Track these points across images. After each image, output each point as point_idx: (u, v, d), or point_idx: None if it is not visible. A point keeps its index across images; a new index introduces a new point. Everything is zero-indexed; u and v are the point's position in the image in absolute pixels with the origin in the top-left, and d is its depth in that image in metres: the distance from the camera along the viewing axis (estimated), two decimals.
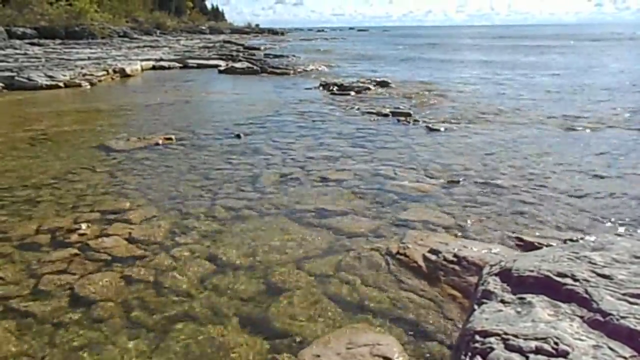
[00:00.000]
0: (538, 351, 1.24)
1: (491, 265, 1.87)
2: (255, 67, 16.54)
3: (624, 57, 23.43)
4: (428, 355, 2.21)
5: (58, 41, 26.62)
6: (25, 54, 18.87)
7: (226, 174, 4.95)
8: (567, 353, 1.22)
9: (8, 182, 4.67)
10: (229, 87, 12.93)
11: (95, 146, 6.12)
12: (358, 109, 8.94)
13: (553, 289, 1.54)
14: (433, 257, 3.00)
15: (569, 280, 1.54)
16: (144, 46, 27.27)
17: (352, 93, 11.03)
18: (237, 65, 17.33)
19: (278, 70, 16.34)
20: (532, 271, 1.65)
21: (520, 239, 3.31)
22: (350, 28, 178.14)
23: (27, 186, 4.53)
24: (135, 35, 34.84)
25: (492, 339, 1.33)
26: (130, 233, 3.50)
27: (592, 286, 1.48)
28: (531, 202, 4.07)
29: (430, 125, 7.23)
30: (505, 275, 1.71)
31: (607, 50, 28.20)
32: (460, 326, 2.11)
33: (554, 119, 7.71)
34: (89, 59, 17.39)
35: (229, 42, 37.23)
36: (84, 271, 2.97)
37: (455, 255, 2.95)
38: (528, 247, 3.07)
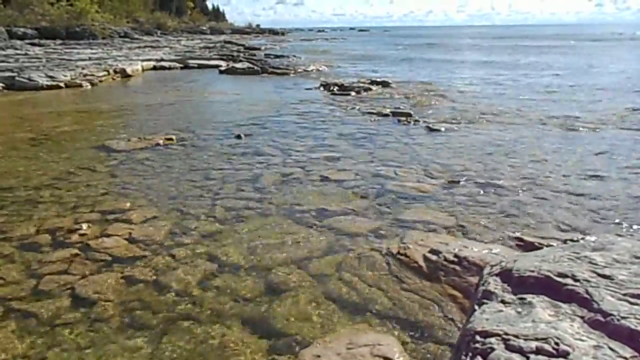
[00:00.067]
0: (538, 351, 1.24)
1: (492, 266, 1.87)
2: (255, 68, 16.54)
3: (625, 57, 23.41)
4: (428, 355, 2.21)
5: (59, 41, 26.66)
6: (26, 54, 18.89)
7: (227, 174, 4.95)
8: (568, 353, 1.21)
9: (9, 182, 4.67)
10: (230, 87, 12.93)
11: (96, 146, 6.12)
12: (358, 109, 8.94)
13: (553, 289, 1.53)
14: (433, 257, 3.00)
15: (569, 281, 1.54)
16: (145, 46, 27.29)
17: (353, 93, 11.03)
18: (238, 65, 17.33)
19: (279, 71, 16.34)
20: (532, 271, 1.65)
21: (521, 239, 3.31)
22: (351, 28, 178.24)
23: (27, 186, 4.54)
24: (136, 36, 34.87)
25: (492, 339, 1.33)
26: (130, 233, 3.50)
27: (592, 286, 1.48)
28: (531, 202, 4.07)
29: (430, 126, 7.23)
30: (505, 275, 1.71)
31: (608, 51, 28.19)
32: (461, 326, 2.11)
33: (554, 119, 7.71)
34: (89, 59, 17.41)
35: (229, 42, 37.25)
36: (84, 271, 2.97)
37: (455, 256, 2.95)
38: (528, 247, 3.07)
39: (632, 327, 1.27)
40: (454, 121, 7.66)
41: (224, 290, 2.77)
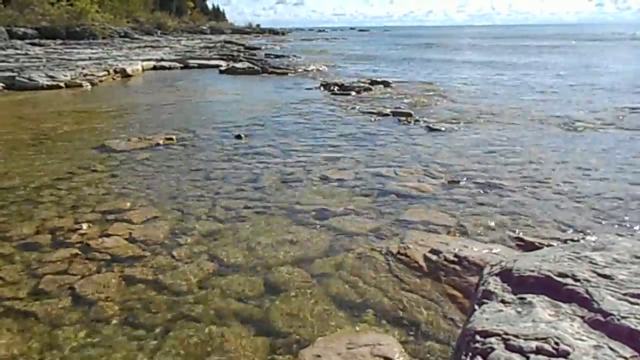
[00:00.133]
0: (538, 351, 1.24)
1: (492, 265, 1.87)
2: (256, 67, 16.54)
3: (625, 57, 23.41)
4: (428, 355, 2.21)
5: (59, 41, 26.65)
6: (26, 54, 18.89)
7: (227, 174, 4.95)
8: (568, 353, 1.21)
9: (9, 182, 4.67)
10: (230, 87, 12.93)
11: (96, 146, 6.12)
12: (359, 109, 8.94)
13: (554, 289, 1.53)
14: (434, 257, 3.00)
15: (569, 281, 1.54)
16: (145, 46, 27.29)
17: (353, 93, 11.03)
18: (238, 65, 17.33)
19: (279, 70, 16.35)
20: (532, 271, 1.65)
21: (521, 239, 3.31)
22: (351, 28, 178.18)
23: (28, 186, 4.54)
24: (136, 36, 34.86)
25: (492, 339, 1.33)
26: (130, 233, 3.50)
27: (592, 286, 1.48)
28: (532, 202, 4.07)
29: (430, 125, 7.23)
30: (505, 275, 1.71)
31: (608, 51, 28.19)
32: (461, 326, 2.11)
33: (554, 119, 7.70)
34: (89, 59, 17.41)
35: (229, 42, 37.25)
36: (84, 271, 2.97)
37: (455, 255, 2.95)
38: (528, 247, 3.07)
39: (632, 326, 1.27)
40: (454, 121, 7.66)
41: (224, 290, 2.77)
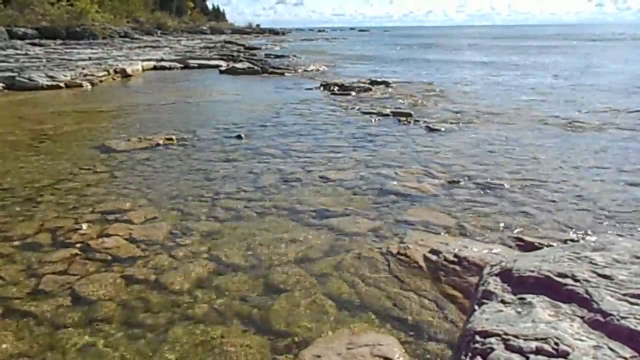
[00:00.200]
0: (538, 351, 1.24)
1: (492, 266, 1.87)
2: (256, 68, 16.54)
3: (625, 57, 23.40)
4: (428, 355, 2.21)
5: (59, 41, 26.65)
6: (26, 54, 18.89)
7: (227, 174, 4.95)
8: (568, 353, 1.21)
9: (9, 182, 4.67)
10: (230, 87, 12.93)
11: (96, 146, 6.12)
12: (359, 109, 8.94)
13: (553, 289, 1.53)
14: (434, 258, 3.00)
15: (569, 281, 1.54)
16: (145, 46, 27.29)
17: (353, 93, 11.03)
18: (238, 65, 17.33)
19: (279, 71, 16.35)
20: (532, 271, 1.65)
21: (521, 239, 3.31)
22: (351, 28, 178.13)
23: (27, 186, 4.54)
24: (136, 36, 34.87)
25: (492, 339, 1.33)
26: (131, 233, 3.50)
27: (592, 286, 1.48)
28: (532, 202, 4.07)
29: (430, 126, 7.23)
30: (505, 275, 1.71)
31: (608, 51, 28.20)
32: (461, 326, 2.11)
33: (554, 120, 7.71)
34: (89, 59, 17.41)
35: (229, 42, 37.26)
36: (84, 271, 2.97)
37: (455, 256, 2.95)
38: (528, 247, 3.07)
39: (632, 327, 1.27)
40: (454, 121, 7.66)
41: (224, 290, 2.77)
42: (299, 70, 16.58)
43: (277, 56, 23.48)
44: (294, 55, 23.73)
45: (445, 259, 2.95)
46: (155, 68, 17.47)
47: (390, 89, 11.73)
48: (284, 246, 3.30)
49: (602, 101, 9.55)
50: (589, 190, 4.32)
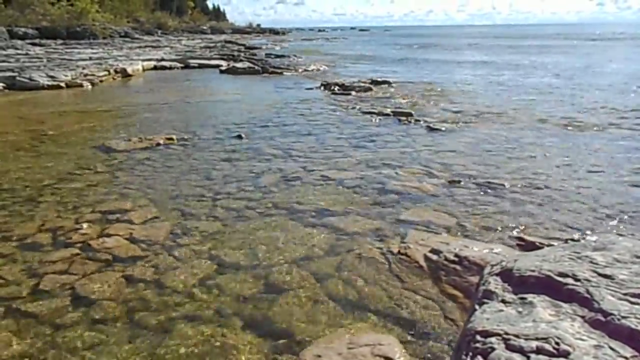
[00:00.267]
0: (539, 351, 1.24)
1: (492, 265, 1.87)
2: (256, 67, 16.54)
3: (626, 57, 23.38)
4: (429, 355, 2.21)
5: (59, 41, 26.66)
6: (27, 54, 18.90)
7: (227, 174, 4.95)
8: (568, 353, 1.21)
9: (9, 182, 4.67)
10: (230, 87, 12.93)
11: (97, 146, 6.13)
12: (359, 108, 8.94)
13: (554, 288, 1.53)
14: (434, 257, 3.00)
15: (570, 280, 1.54)
16: (145, 46, 27.30)
17: (353, 93, 11.03)
18: (239, 65, 17.33)
19: (279, 70, 16.35)
20: (533, 271, 1.65)
21: (522, 239, 3.31)
22: (352, 28, 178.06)
23: (28, 186, 4.54)
24: (137, 35, 34.88)
25: (493, 339, 1.33)
26: (131, 233, 3.50)
27: (593, 286, 1.48)
28: (532, 201, 4.07)
29: (431, 125, 7.23)
30: (506, 275, 1.71)
31: (609, 50, 28.17)
32: (461, 326, 2.11)
33: (555, 119, 7.70)
34: (90, 59, 17.42)
35: (230, 42, 37.26)
36: (85, 271, 2.97)
37: (456, 255, 2.95)
38: (529, 247, 3.07)
39: (633, 326, 1.27)
40: (454, 121, 7.65)
41: (224, 290, 2.77)
42: (300, 70, 16.58)
43: (277, 56, 23.49)
44: (295, 55, 23.73)
45: (446, 259, 2.95)
46: (155, 68, 17.48)
47: (390, 89, 11.73)
48: (285, 246, 3.30)
49: (602, 101, 9.54)
50: (589, 190, 4.32)
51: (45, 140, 6.46)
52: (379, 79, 12.89)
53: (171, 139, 6.41)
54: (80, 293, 2.73)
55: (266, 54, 24.80)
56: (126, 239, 3.42)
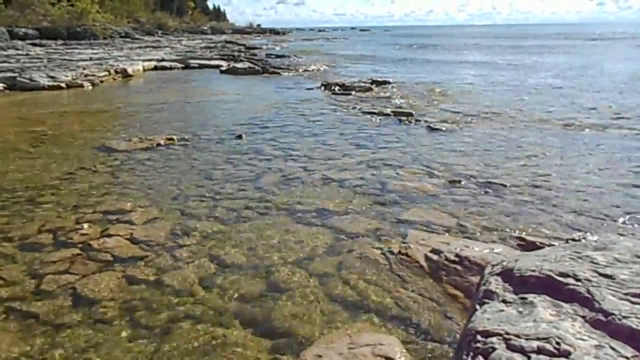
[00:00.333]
0: (540, 351, 1.24)
1: (493, 265, 1.87)
2: (256, 67, 16.54)
3: (626, 57, 23.37)
4: (430, 355, 2.21)
5: (60, 42, 26.67)
6: (27, 54, 18.91)
7: (228, 174, 4.95)
8: (569, 353, 1.21)
9: (10, 182, 4.68)
10: (231, 87, 12.93)
11: (97, 147, 6.13)
12: (359, 108, 8.94)
13: (555, 288, 1.53)
14: (435, 257, 3.00)
15: (570, 280, 1.54)
16: (146, 46, 27.30)
17: (354, 93, 11.03)
18: (239, 65, 17.33)
19: (279, 70, 16.35)
20: (533, 271, 1.65)
21: (522, 239, 3.31)
22: (352, 28, 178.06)
23: (29, 186, 4.54)
24: (137, 36, 34.88)
25: (494, 339, 1.33)
26: (132, 233, 3.51)
27: (594, 286, 1.48)
28: (533, 201, 4.07)
29: (431, 125, 7.23)
30: (507, 275, 1.71)
31: (610, 50, 28.16)
32: (462, 326, 2.11)
33: (555, 119, 7.70)
34: (90, 59, 17.43)
35: (230, 42, 37.26)
36: (85, 271, 2.97)
37: (457, 255, 2.95)
38: (530, 246, 3.07)
39: (634, 326, 1.27)
40: (455, 121, 7.65)
41: (225, 290, 2.77)
42: (300, 70, 16.58)
43: (277, 56, 23.49)
44: (295, 55, 23.72)
45: (447, 259, 2.94)
46: (156, 68, 17.47)
47: (391, 89, 11.72)
48: (285, 246, 3.30)
49: (602, 101, 9.54)
50: (590, 190, 4.32)
51: (45, 140, 6.47)
52: (379, 79, 12.88)
53: (172, 139, 6.41)
54: (81, 293, 2.73)
55: (266, 54, 24.80)
56: (127, 239, 3.43)
